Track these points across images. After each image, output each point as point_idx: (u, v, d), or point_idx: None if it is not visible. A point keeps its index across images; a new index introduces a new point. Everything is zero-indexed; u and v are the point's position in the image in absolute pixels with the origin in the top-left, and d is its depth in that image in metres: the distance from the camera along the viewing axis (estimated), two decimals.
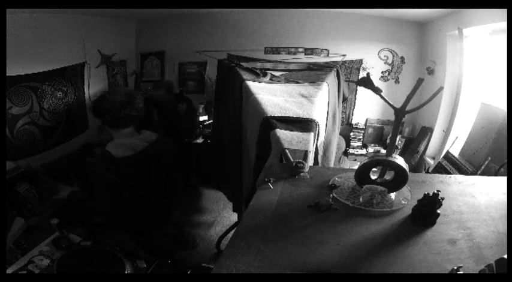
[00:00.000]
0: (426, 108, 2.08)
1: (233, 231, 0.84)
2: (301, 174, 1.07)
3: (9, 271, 1.46)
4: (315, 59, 3.80)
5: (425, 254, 0.70)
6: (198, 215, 3.20)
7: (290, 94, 1.97)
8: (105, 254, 1.54)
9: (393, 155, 0.95)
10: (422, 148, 3.47)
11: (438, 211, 0.81)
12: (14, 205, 2.55)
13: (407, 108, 0.96)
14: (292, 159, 1.15)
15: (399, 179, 0.94)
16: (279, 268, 0.66)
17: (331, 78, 2.50)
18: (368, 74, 1.01)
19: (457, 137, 2.80)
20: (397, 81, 3.80)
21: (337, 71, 2.76)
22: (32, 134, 3.11)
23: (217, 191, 3.55)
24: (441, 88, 0.99)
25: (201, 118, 3.95)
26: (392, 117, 1.03)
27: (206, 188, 3.63)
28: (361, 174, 0.96)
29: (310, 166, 1.16)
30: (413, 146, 3.62)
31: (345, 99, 3.12)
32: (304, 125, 1.50)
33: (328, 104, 2.18)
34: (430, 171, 3.01)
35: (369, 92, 0.98)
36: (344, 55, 3.77)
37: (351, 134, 3.95)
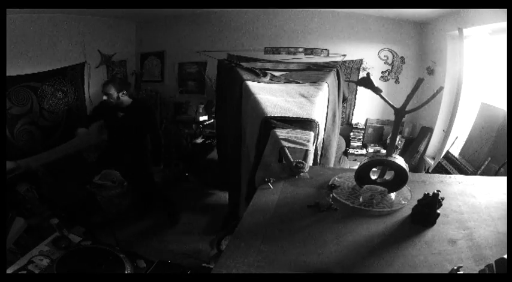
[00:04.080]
0: (426, 108, 2.08)
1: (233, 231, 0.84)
2: (301, 174, 1.07)
3: (9, 271, 1.46)
4: (315, 59, 3.80)
5: (425, 254, 0.70)
6: (198, 215, 3.20)
7: (290, 94, 1.97)
8: (105, 254, 1.54)
9: (393, 155, 0.95)
10: (422, 148, 3.47)
11: (438, 211, 0.81)
12: (14, 205, 2.55)
13: (408, 108, 0.96)
14: (292, 159, 1.15)
15: (399, 179, 0.94)
16: (279, 268, 0.66)
17: (331, 78, 2.50)
18: (368, 74, 1.01)
19: (457, 137, 2.80)
20: (397, 81, 3.80)
21: (337, 71, 2.76)
22: (32, 134, 3.11)
23: (217, 191, 3.56)
24: (441, 88, 0.99)
25: (201, 118, 3.96)
26: (392, 117, 1.03)
27: (207, 188, 3.64)
28: (361, 174, 0.96)
29: (310, 166, 1.16)
30: (413, 146, 3.62)
31: (344, 100, 3.12)
32: (304, 124, 1.50)
33: (328, 104, 2.18)
34: (430, 171, 3.01)
35: (369, 92, 0.98)
36: (344, 55, 3.77)
37: (351, 134, 3.95)
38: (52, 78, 3.23)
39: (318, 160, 1.61)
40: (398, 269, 0.66)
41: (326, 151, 2.07)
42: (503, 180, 1.03)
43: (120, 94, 2.59)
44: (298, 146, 1.29)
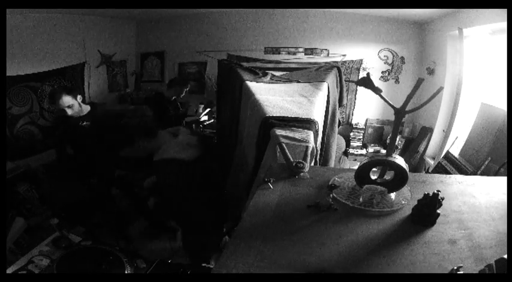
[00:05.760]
0: (426, 108, 2.08)
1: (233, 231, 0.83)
2: (301, 174, 1.07)
3: (9, 271, 1.46)
4: (315, 59, 3.80)
5: (425, 254, 0.70)
6: None
7: (290, 94, 1.97)
8: (105, 254, 1.54)
9: (393, 155, 0.95)
10: (422, 148, 3.47)
11: (438, 211, 0.81)
12: (14, 205, 2.55)
13: (408, 108, 0.95)
14: (292, 159, 1.15)
15: (399, 179, 0.94)
16: (279, 268, 0.66)
17: (332, 77, 2.50)
18: (368, 74, 1.00)
19: (457, 137, 2.80)
20: (397, 81, 3.80)
21: (339, 70, 2.75)
22: (32, 134, 3.11)
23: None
24: (441, 88, 0.99)
25: (202, 118, 3.96)
26: (392, 117, 1.03)
27: None
28: (361, 174, 0.96)
29: (310, 166, 1.16)
30: (413, 146, 3.62)
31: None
32: (303, 124, 1.50)
33: (328, 103, 2.18)
34: (430, 171, 3.01)
35: (369, 92, 0.98)
36: (344, 55, 3.78)
37: (351, 134, 3.95)
38: (52, 78, 3.23)
39: (318, 160, 1.61)
40: (398, 269, 0.66)
41: (326, 151, 2.07)
42: (503, 180, 1.02)
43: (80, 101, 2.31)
44: (297, 143, 1.29)
